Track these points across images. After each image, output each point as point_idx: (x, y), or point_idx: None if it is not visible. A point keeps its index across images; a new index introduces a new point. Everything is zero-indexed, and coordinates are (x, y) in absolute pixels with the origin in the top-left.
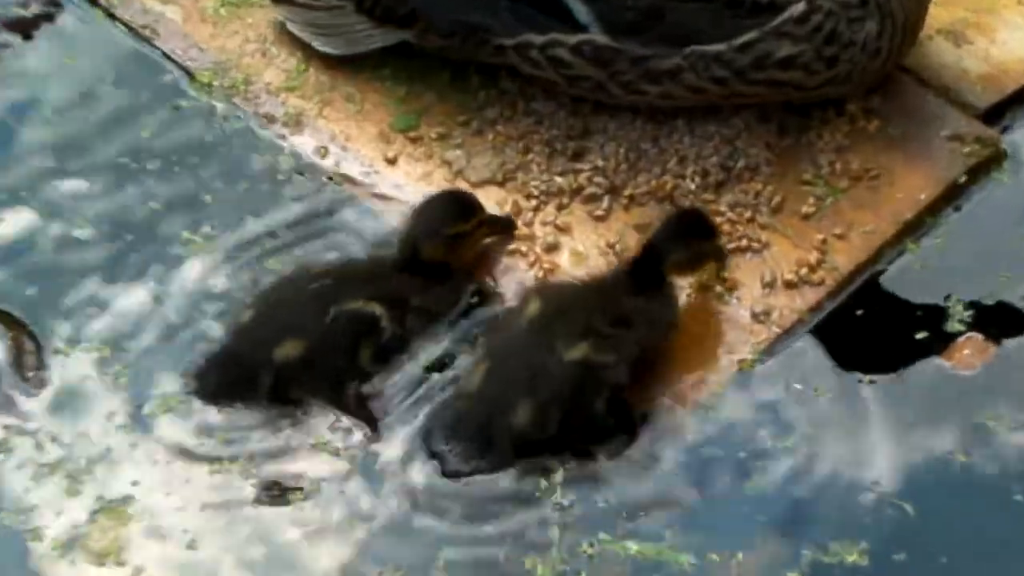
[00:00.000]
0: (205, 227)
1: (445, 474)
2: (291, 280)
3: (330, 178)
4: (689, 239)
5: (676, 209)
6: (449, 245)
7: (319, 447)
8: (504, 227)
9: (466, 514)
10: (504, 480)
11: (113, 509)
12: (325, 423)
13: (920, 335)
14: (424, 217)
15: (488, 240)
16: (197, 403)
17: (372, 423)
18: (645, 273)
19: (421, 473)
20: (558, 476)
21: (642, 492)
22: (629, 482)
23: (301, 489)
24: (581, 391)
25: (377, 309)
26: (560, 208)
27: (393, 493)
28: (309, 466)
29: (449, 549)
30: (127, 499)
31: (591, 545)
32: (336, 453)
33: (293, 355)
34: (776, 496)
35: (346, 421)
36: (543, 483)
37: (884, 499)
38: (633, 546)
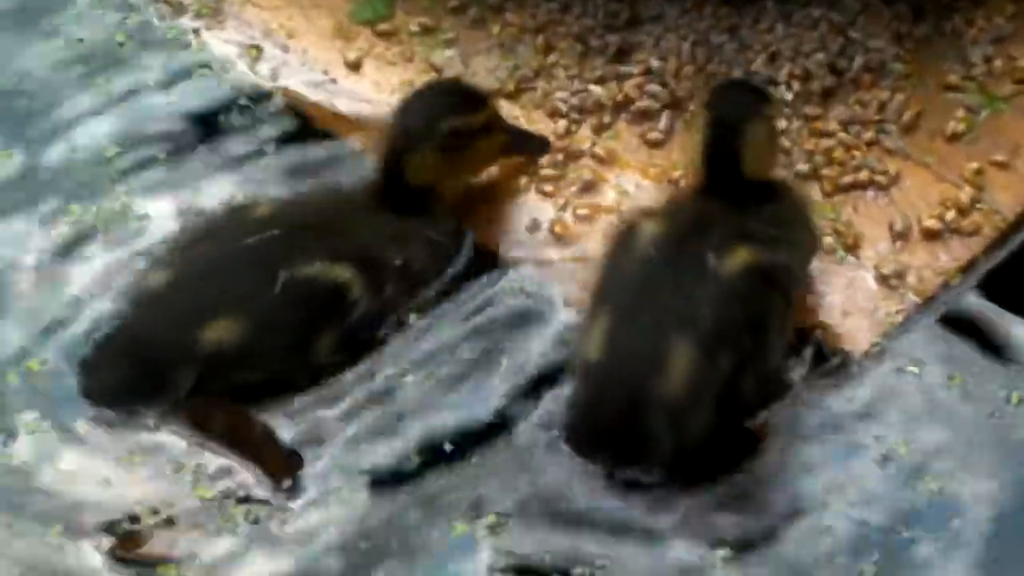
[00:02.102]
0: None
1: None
2: (220, 228)
3: (268, 93)
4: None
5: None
6: (447, 153)
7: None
8: (532, 146)
9: None
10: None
11: None
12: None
13: None
14: (413, 110)
15: (501, 158)
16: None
17: (292, 467)
18: (737, 184)
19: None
20: None
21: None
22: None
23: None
24: (756, 315)
25: (345, 273)
26: (599, 130)
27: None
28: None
29: None
30: None
31: None
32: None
33: (228, 340)
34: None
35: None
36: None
37: None
38: None
